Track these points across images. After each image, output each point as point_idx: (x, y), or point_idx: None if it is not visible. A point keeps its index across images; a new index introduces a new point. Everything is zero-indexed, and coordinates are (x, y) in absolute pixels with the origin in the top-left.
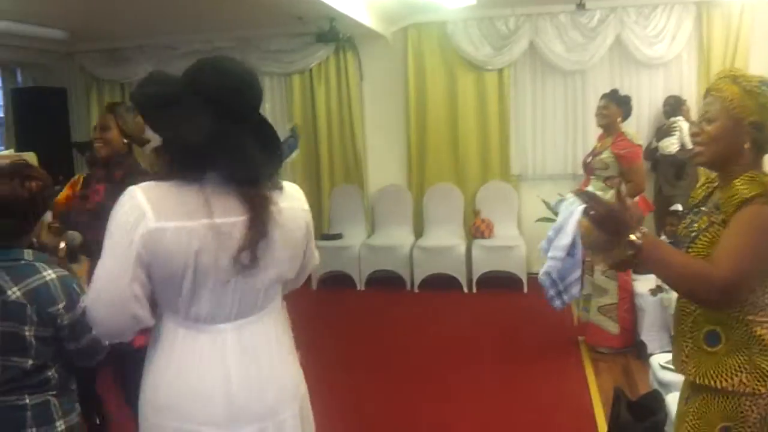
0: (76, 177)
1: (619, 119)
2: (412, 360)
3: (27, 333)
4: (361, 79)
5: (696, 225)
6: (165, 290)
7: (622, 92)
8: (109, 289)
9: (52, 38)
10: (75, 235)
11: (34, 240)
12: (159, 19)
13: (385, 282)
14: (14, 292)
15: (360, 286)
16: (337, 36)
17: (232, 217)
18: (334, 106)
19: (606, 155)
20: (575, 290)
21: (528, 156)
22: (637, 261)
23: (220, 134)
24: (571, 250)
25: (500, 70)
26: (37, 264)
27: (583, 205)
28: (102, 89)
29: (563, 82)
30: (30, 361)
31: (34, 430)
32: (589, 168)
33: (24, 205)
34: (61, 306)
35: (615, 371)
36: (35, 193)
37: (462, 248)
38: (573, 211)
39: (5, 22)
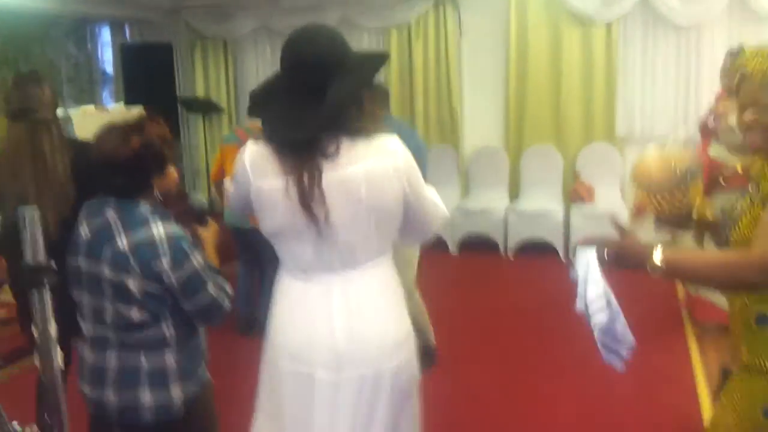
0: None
1: None
2: (505, 329)
3: (131, 284)
4: (460, 34)
5: (739, 205)
6: (274, 242)
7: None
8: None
9: None
10: (200, 199)
11: (158, 194)
12: None
13: (478, 246)
14: (122, 242)
15: (452, 249)
16: None
17: (279, 178)
18: (432, 63)
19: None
20: (630, 338)
21: (635, 117)
22: (668, 277)
23: (270, 101)
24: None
25: (608, 25)
26: (150, 217)
27: (593, 251)
28: (206, 46)
29: (676, 38)
30: (137, 312)
31: (146, 389)
32: (707, 131)
33: (128, 161)
34: (164, 261)
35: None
36: (139, 149)
37: (560, 214)
38: (588, 260)
39: None
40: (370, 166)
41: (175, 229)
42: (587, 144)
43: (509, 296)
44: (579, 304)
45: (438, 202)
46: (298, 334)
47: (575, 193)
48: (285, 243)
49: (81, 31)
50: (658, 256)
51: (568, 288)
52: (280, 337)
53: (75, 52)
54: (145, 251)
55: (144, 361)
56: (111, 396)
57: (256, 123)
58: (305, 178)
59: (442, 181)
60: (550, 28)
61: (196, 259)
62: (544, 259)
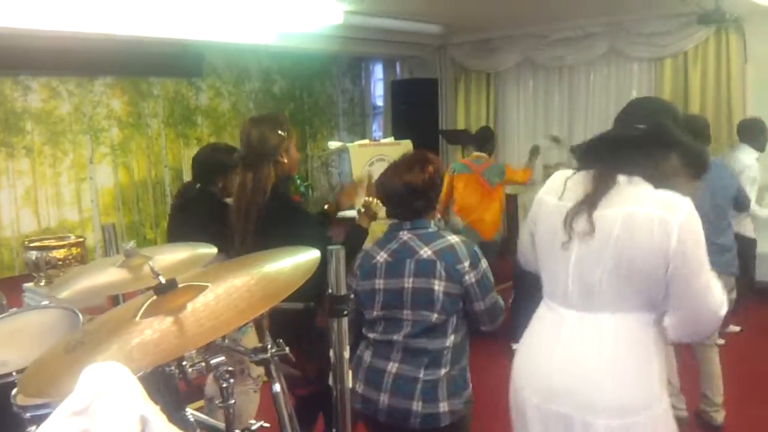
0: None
1: None
2: None
3: (436, 287)
4: (745, 62)
5: None
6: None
7: None
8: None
9: (428, 33)
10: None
11: (438, 216)
12: (529, 8)
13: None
14: (425, 252)
15: None
16: (722, 16)
17: (566, 199)
18: (710, 93)
19: None
20: None
21: None
22: None
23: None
24: None
25: None
26: (441, 231)
27: None
28: (470, 79)
29: None
30: (435, 315)
31: (419, 401)
32: None
33: (425, 187)
34: (466, 264)
35: None
36: (432, 176)
37: None
38: None
39: (390, 20)
40: (636, 210)
41: (462, 237)
42: None
43: None
44: None
45: (715, 293)
46: (525, 355)
47: None
48: (544, 261)
49: (357, 68)
50: None
51: None
52: (517, 359)
53: (350, 88)
54: (449, 255)
55: (422, 374)
56: (384, 399)
57: (481, 154)
58: (583, 204)
59: None
60: None
61: (485, 262)
62: None
